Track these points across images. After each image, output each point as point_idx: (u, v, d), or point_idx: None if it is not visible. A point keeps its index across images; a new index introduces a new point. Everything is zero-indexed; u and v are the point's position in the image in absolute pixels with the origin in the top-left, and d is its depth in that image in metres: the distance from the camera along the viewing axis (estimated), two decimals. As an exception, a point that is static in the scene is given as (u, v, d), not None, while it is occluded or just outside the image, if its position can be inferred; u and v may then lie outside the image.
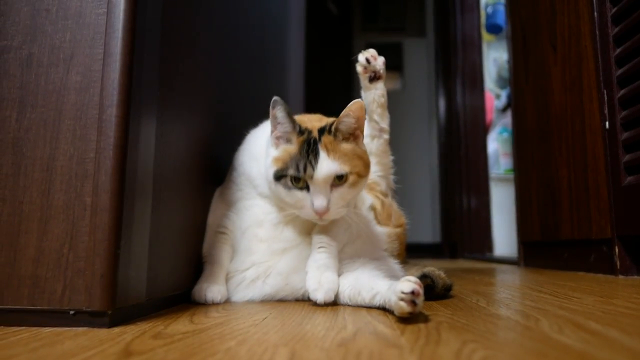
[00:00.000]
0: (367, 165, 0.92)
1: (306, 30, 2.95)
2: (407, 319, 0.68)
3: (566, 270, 1.66)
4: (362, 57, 1.04)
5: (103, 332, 0.61)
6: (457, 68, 3.76)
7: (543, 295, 0.95)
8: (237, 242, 0.98)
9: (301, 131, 0.90)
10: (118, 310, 0.65)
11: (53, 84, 0.68)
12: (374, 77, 1.06)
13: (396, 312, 0.70)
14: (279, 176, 0.88)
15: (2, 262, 0.65)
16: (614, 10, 1.43)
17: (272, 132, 0.92)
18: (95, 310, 0.63)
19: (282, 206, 0.94)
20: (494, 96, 3.68)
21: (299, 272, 0.93)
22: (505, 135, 3.51)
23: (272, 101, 0.88)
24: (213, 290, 0.91)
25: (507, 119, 3.40)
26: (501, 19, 3.49)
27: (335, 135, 0.89)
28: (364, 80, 1.06)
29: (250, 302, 0.94)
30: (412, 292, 0.67)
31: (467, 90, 3.65)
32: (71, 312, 0.64)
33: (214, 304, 0.90)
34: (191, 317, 0.74)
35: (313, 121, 0.95)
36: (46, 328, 0.63)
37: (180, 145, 0.89)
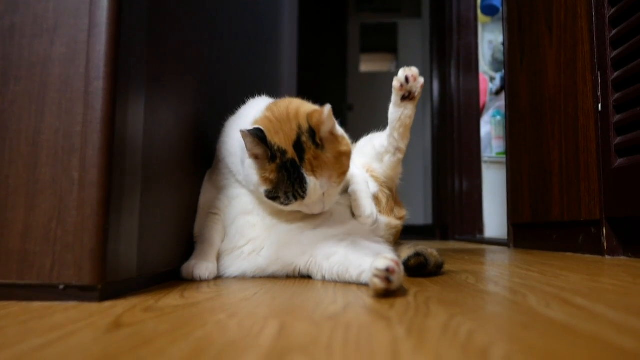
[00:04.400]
0: (348, 155, 0.89)
1: (300, 9, 2.91)
2: (384, 296, 0.67)
3: (555, 251, 1.68)
4: (402, 73, 0.97)
5: (93, 306, 0.61)
6: (452, 50, 3.74)
7: (531, 273, 0.96)
8: (229, 224, 0.99)
9: (273, 155, 0.84)
10: (108, 285, 0.65)
11: (37, 55, 0.67)
12: (407, 97, 1.00)
13: (371, 288, 0.69)
14: (271, 197, 0.87)
15: (-11, 236, 0.64)
16: (609, -9, 1.42)
17: (246, 147, 0.86)
18: (85, 284, 0.63)
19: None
20: (488, 79, 3.67)
21: (290, 247, 0.93)
22: (499, 118, 3.52)
23: (241, 130, 0.83)
24: (201, 267, 0.91)
25: (501, 102, 3.40)
26: (497, 0, 3.46)
27: (322, 147, 0.85)
28: (396, 96, 1.00)
29: (243, 276, 0.95)
30: (387, 269, 0.66)
31: (461, 72, 3.63)
32: (61, 287, 0.64)
33: (203, 281, 0.90)
34: (182, 293, 0.74)
35: (282, 119, 0.87)
36: (36, 302, 0.63)
37: (170, 121, 0.88)
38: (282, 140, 0.85)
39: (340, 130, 0.91)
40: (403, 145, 1.05)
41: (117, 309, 0.59)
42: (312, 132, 0.84)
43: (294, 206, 0.88)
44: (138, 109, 0.74)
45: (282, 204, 0.87)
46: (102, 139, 0.65)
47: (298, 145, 0.84)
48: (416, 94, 0.99)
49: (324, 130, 0.85)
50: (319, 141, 0.84)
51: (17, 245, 0.64)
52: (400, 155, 1.06)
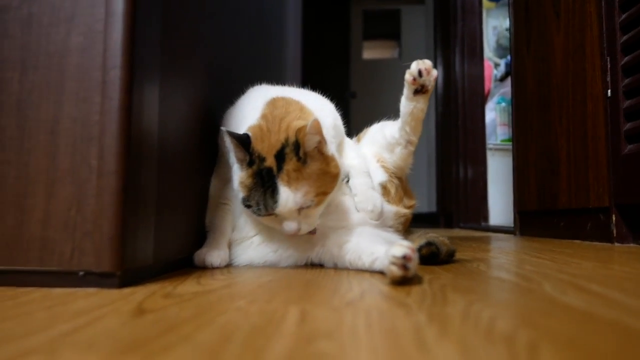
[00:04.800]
0: (334, 177, 0.86)
1: (304, -5, 2.88)
2: (401, 283, 0.68)
3: (562, 239, 1.68)
4: (415, 67, 0.96)
5: (114, 292, 0.62)
6: (456, 36, 3.71)
7: (542, 260, 0.97)
8: (238, 215, 0.99)
9: (252, 160, 0.83)
10: (127, 272, 0.66)
11: (55, 44, 0.67)
12: (420, 91, 0.98)
13: (388, 276, 0.69)
14: (246, 205, 0.85)
15: (11, 225, 0.65)
16: (621, -24, 1.41)
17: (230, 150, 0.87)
18: (104, 271, 0.64)
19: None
20: (493, 65, 3.65)
21: (301, 241, 0.94)
22: (503, 104, 3.50)
23: (225, 130, 0.83)
24: (213, 254, 0.92)
25: (506, 88, 3.38)
26: (503, -15, 3.42)
27: (304, 161, 0.82)
28: (408, 90, 0.98)
29: (254, 266, 0.95)
30: (404, 257, 0.67)
31: (466, 59, 3.61)
32: (81, 273, 0.64)
33: (215, 268, 0.91)
34: (198, 279, 0.75)
35: (272, 128, 0.85)
36: (56, 289, 0.64)
37: (182, 109, 0.88)
38: (265, 148, 0.83)
39: (331, 151, 0.87)
40: (415, 138, 1.04)
41: (137, 295, 0.60)
42: (297, 145, 0.82)
43: (269, 220, 0.86)
44: (153, 98, 0.74)
45: (255, 213, 0.84)
46: (119, 128, 0.65)
47: (280, 155, 0.82)
48: (429, 87, 0.98)
49: (308, 145, 0.82)
50: (302, 155, 0.82)
51: (37, 232, 0.65)
52: (411, 148, 1.06)
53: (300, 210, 0.83)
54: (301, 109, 0.91)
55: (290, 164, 0.81)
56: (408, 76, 0.97)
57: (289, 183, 0.81)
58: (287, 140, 0.83)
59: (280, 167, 0.81)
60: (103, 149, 0.65)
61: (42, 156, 0.66)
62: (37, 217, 0.65)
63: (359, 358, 0.34)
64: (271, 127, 0.85)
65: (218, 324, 0.45)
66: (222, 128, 0.85)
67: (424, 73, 0.96)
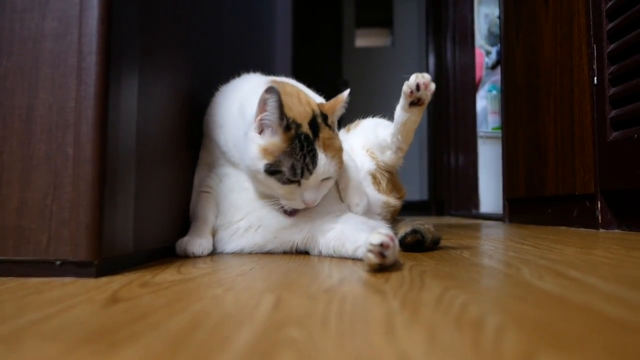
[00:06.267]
0: (342, 151, 0.92)
1: (294, -18, 2.85)
2: (379, 270, 0.68)
3: (550, 225, 1.70)
4: (413, 80, 0.94)
5: (90, 282, 0.61)
6: (447, 24, 3.69)
7: (525, 247, 0.98)
8: (221, 201, 0.99)
9: (288, 125, 0.84)
10: (104, 261, 0.66)
11: (29, 30, 0.65)
12: (416, 103, 0.96)
13: (365, 263, 0.70)
14: (271, 171, 0.84)
15: (-15, 213, 0.64)
16: (608, -38, 1.40)
17: (257, 114, 0.85)
18: (81, 260, 0.63)
19: (264, 191, 0.92)
20: (484, 53, 3.64)
21: (287, 226, 0.94)
22: (494, 92, 3.50)
23: (267, 87, 0.82)
24: (194, 243, 0.91)
25: (497, 76, 3.38)
26: (494, -28, 3.40)
27: (333, 130, 0.89)
28: (404, 101, 0.96)
29: (241, 252, 0.96)
30: (381, 245, 0.67)
31: (457, 46, 3.60)
32: (57, 263, 0.64)
33: (197, 257, 0.90)
34: (179, 268, 0.74)
35: (293, 100, 0.88)
36: (33, 278, 0.64)
37: (164, 97, 0.87)
38: (296, 115, 0.85)
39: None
40: (405, 146, 1.04)
41: (114, 284, 0.60)
42: (325, 116, 0.89)
43: (287, 191, 0.86)
44: (131, 85, 0.73)
45: (283, 179, 0.84)
46: (95, 115, 0.64)
47: (313, 123, 0.86)
48: (426, 101, 0.96)
49: (336, 115, 0.91)
50: (330, 124, 0.89)
51: (12, 221, 0.64)
52: (401, 154, 1.06)
53: (321, 181, 0.88)
54: (299, 85, 0.98)
55: (324, 132, 0.87)
56: (406, 88, 0.94)
57: (325, 149, 0.86)
58: (314, 111, 0.88)
59: (316, 134, 0.86)
60: (79, 136, 0.64)
61: (17, 144, 0.65)
62: (12, 206, 0.64)
63: (325, 344, 0.34)
64: (290, 93, 0.90)
65: (190, 312, 0.45)
66: (270, 79, 0.88)
67: (422, 87, 0.94)
